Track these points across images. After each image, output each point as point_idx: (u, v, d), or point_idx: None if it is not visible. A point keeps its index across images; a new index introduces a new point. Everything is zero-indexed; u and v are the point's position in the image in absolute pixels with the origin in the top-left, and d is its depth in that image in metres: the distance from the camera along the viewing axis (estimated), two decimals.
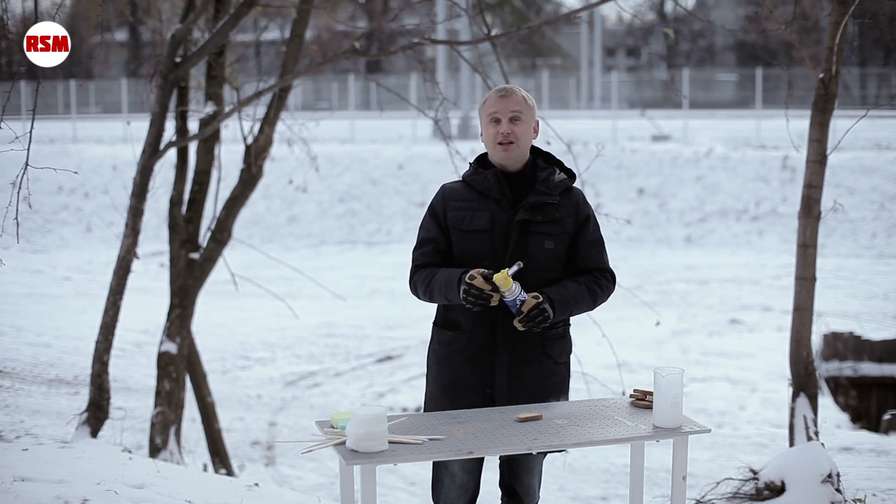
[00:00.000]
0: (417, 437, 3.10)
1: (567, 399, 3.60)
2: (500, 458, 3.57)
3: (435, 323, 3.59)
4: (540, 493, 3.66)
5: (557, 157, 3.63)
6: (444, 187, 3.60)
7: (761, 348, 12.17)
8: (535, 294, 3.34)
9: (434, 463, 3.53)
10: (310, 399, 10.86)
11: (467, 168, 3.62)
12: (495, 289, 3.28)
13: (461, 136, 24.11)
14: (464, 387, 3.47)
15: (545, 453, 3.58)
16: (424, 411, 3.60)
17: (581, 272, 3.52)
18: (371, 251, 19.38)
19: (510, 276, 3.26)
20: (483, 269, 3.30)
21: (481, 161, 3.60)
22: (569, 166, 3.64)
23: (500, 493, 3.69)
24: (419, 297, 3.53)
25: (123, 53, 37.90)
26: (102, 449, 5.51)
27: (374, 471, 3.01)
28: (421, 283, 3.49)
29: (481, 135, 3.56)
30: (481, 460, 3.54)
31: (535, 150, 3.60)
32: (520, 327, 3.34)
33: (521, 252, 3.42)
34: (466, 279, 3.29)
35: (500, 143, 3.46)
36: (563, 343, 3.56)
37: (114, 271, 6.36)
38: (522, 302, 3.30)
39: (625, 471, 8.29)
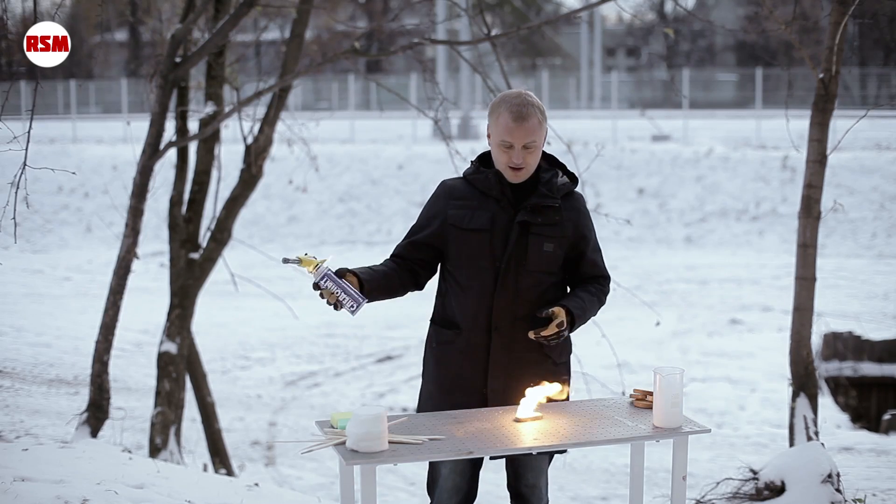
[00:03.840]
0: (417, 437, 3.09)
1: (567, 399, 3.58)
2: (506, 460, 3.54)
3: (433, 321, 3.56)
4: (548, 496, 3.62)
5: (560, 160, 3.58)
6: (445, 183, 3.56)
7: (761, 348, 12.17)
8: (556, 309, 3.31)
9: (430, 462, 3.52)
10: (310, 399, 10.86)
11: (468, 166, 3.57)
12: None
13: (461, 136, 24.11)
14: (461, 385, 3.45)
15: (551, 454, 3.56)
16: (419, 409, 3.58)
17: (587, 280, 3.53)
18: (371, 251, 19.38)
19: (317, 260, 3.16)
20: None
21: (483, 160, 3.55)
22: (570, 169, 3.60)
23: (508, 496, 3.64)
24: None
25: (123, 53, 37.91)
26: (102, 449, 5.51)
27: (374, 471, 3.00)
28: None
29: (488, 136, 3.46)
30: (477, 464, 3.52)
31: None
32: (532, 336, 3.33)
33: (521, 253, 3.40)
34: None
35: (511, 168, 3.41)
36: (563, 344, 3.53)
37: (114, 271, 6.36)
38: (327, 277, 3.18)
39: (625, 471, 8.29)
